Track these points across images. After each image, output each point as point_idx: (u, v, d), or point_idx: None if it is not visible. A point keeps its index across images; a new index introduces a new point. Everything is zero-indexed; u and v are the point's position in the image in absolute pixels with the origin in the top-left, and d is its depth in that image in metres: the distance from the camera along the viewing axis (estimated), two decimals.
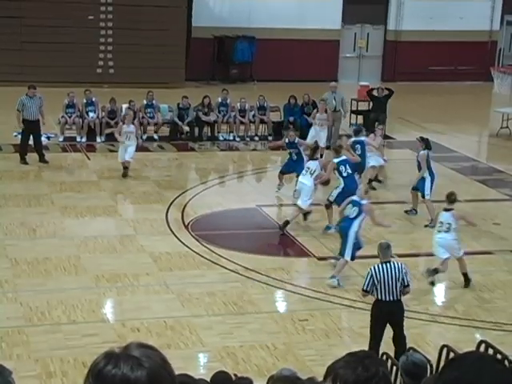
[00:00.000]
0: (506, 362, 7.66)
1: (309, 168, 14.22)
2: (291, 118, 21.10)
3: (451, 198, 12.04)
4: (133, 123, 17.32)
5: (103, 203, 15.29)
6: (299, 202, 14.08)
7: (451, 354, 7.89)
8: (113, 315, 11.03)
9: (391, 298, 9.30)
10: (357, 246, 12.00)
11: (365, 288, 9.39)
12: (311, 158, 14.47)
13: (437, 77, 29.40)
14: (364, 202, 12.28)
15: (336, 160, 14.07)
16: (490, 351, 8.04)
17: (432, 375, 7.04)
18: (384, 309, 9.34)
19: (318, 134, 18.49)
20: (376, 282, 9.24)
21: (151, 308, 11.04)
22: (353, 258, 11.95)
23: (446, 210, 11.93)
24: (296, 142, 15.82)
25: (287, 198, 15.71)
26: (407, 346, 9.07)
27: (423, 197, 14.69)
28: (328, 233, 13.91)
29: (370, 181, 16.63)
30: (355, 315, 11.06)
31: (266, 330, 10.63)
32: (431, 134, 21.62)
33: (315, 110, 19.31)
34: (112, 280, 11.79)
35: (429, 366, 7.37)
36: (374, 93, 21.55)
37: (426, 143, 14.99)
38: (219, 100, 21.15)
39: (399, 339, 9.45)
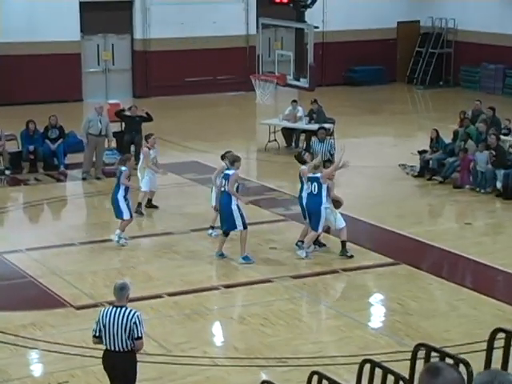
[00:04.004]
0: None
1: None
2: (31, 147, 20.70)
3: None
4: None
5: None
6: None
7: None
8: None
9: (116, 349, 8.93)
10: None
11: (95, 334, 9.02)
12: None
13: (195, 89, 29.99)
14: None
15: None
16: None
17: None
18: (108, 360, 9.04)
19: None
20: (101, 327, 8.93)
21: None
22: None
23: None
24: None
25: None
26: None
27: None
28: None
29: (140, 205, 17.25)
30: None
31: None
32: (195, 154, 22.14)
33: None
34: None
35: None
36: (127, 112, 21.57)
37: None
38: None
39: None
